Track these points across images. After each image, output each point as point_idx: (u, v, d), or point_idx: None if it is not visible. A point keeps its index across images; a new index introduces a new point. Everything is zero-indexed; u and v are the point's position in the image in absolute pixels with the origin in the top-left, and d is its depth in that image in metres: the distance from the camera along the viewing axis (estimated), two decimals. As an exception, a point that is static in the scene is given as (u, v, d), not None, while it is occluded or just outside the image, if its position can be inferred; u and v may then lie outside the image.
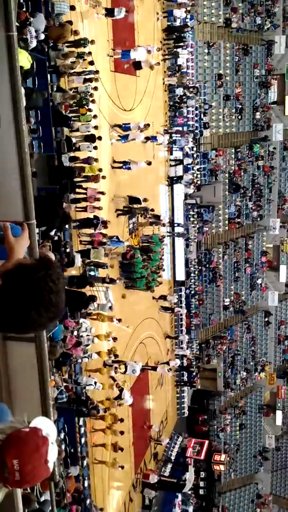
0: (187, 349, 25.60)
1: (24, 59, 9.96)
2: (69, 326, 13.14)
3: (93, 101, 15.11)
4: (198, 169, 26.23)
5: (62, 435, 12.75)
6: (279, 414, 33.09)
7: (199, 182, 26.47)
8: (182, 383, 26.67)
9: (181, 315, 25.52)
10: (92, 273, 15.82)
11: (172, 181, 24.57)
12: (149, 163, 19.12)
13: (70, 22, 13.47)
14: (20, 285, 1.93)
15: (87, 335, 14.11)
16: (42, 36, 11.87)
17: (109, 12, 17.22)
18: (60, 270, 2.06)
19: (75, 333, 13.56)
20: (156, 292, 21.72)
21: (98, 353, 15.85)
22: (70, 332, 13.22)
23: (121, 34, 18.76)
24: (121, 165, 18.26)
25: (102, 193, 15.76)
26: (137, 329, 20.56)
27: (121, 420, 16.76)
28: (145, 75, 21.11)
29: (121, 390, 17.05)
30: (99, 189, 15.76)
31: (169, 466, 24.63)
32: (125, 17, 18.21)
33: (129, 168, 18.37)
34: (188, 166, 24.89)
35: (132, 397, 17.71)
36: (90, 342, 14.38)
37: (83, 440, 14.87)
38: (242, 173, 29.39)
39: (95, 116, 15.47)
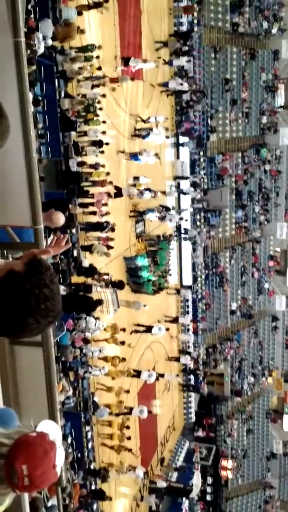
0: (194, 350, 25.55)
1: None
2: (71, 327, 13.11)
3: (100, 109, 15.17)
4: (204, 174, 26.22)
5: (69, 440, 12.74)
6: (286, 419, 32.87)
7: (205, 186, 26.44)
8: (188, 389, 26.55)
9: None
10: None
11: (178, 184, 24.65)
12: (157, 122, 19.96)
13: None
14: (13, 295, 1.87)
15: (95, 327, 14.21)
16: (50, 42, 11.93)
17: (126, 61, 18.41)
18: (51, 269, 1.99)
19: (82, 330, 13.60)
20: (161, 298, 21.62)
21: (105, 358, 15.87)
22: (76, 332, 13.22)
23: (128, 39, 18.88)
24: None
25: (110, 195, 15.78)
26: (144, 334, 20.48)
27: (127, 427, 16.74)
28: (152, 80, 21.18)
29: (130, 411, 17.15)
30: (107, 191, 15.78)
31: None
32: (132, 24, 18.52)
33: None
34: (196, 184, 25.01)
35: (145, 410, 17.62)
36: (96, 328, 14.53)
37: (90, 445, 14.85)
38: (249, 177, 29.31)
39: (103, 122, 15.53)
